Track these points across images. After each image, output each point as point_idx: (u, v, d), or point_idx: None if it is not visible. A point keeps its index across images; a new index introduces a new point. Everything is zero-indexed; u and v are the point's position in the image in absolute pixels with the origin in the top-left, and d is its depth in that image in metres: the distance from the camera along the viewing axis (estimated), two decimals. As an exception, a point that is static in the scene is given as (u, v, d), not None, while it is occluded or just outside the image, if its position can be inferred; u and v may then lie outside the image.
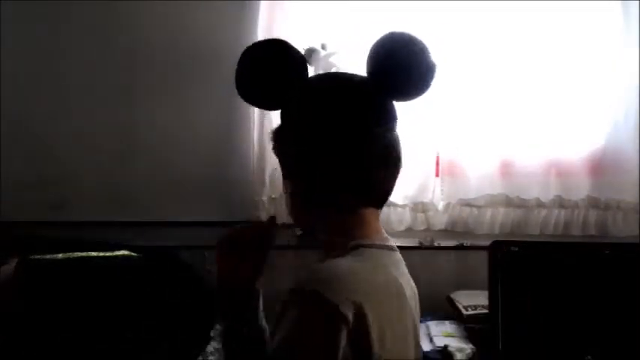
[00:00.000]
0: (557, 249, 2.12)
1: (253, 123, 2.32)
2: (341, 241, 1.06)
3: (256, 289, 1.07)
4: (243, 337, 1.02)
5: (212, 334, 2.05)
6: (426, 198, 2.30)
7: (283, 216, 2.34)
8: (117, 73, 2.38)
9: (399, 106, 1.13)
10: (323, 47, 2.13)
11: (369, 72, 1.06)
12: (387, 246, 1.11)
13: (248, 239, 1.05)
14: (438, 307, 2.15)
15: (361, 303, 0.91)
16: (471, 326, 2.03)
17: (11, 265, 2.04)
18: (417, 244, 2.35)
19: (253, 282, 1.06)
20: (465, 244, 2.35)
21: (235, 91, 1.15)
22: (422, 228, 2.35)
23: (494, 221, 2.32)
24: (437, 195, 2.32)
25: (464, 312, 2.08)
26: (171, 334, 1.99)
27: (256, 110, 2.31)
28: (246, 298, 1.05)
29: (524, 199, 2.31)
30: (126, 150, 2.40)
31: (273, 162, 2.31)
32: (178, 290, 2.14)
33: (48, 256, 2.10)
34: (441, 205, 2.34)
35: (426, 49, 1.06)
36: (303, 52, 2.07)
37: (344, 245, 1.05)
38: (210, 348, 1.98)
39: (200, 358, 1.94)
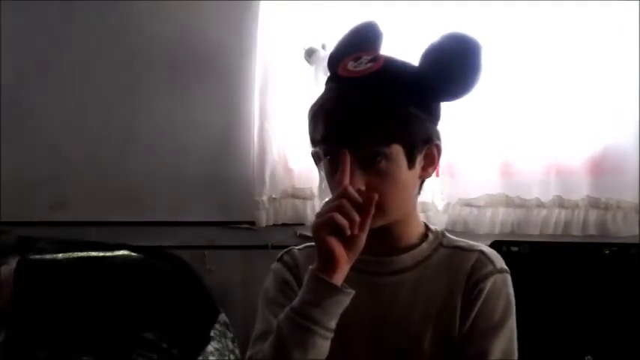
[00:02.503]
0: (557, 249, 2.12)
1: (253, 123, 2.32)
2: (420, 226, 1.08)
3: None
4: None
5: (212, 334, 2.05)
6: (426, 198, 2.30)
7: (282, 217, 2.39)
8: (117, 74, 2.38)
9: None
10: (323, 47, 2.14)
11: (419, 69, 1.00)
12: None
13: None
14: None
15: None
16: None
17: (11, 265, 2.04)
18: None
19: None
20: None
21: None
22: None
23: (494, 221, 2.32)
24: (437, 195, 2.32)
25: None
26: (171, 334, 1.99)
27: (256, 110, 2.31)
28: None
29: (524, 199, 2.31)
30: (126, 150, 2.40)
31: (273, 162, 2.32)
32: (178, 290, 2.14)
33: (48, 256, 2.10)
34: (441, 205, 2.33)
35: (475, 48, 0.99)
36: (303, 52, 2.11)
37: (424, 229, 1.08)
38: (210, 348, 1.98)
39: (200, 358, 1.93)
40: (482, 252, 1.03)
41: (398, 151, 0.95)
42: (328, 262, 0.90)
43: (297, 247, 1.11)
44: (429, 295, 1.01)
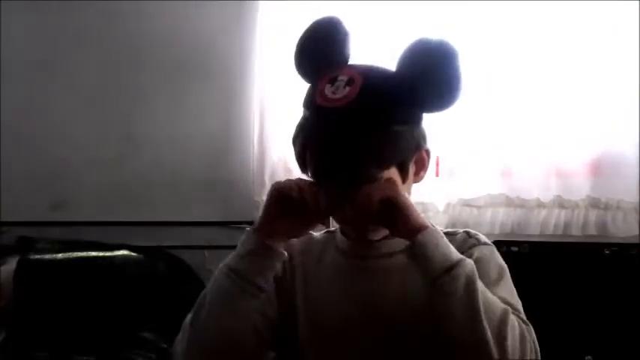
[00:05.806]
0: (557, 249, 2.12)
1: (253, 123, 2.32)
2: None
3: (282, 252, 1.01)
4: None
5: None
6: (426, 198, 2.29)
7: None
8: (117, 73, 2.39)
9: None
10: (323, 47, 2.13)
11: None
12: None
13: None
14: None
15: None
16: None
17: (11, 265, 2.04)
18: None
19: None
20: (464, 244, 2.34)
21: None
22: (422, 228, 2.34)
23: (494, 221, 2.31)
24: (437, 195, 2.32)
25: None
26: (171, 334, 1.98)
27: (256, 110, 2.31)
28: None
29: (524, 199, 2.30)
30: (126, 150, 2.40)
31: (273, 162, 2.32)
32: (178, 290, 2.14)
33: (48, 256, 2.10)
34: (441, 206, 2.33)
35: (451, 56, 0.99)
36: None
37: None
38: (210, 348, 1.98)
39: (200, 358, 1.93)
40: (465, 231, 1.07)
41: (392, 171, 0.98)
42: (265, 222, 0.98)
43: None
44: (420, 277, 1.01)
